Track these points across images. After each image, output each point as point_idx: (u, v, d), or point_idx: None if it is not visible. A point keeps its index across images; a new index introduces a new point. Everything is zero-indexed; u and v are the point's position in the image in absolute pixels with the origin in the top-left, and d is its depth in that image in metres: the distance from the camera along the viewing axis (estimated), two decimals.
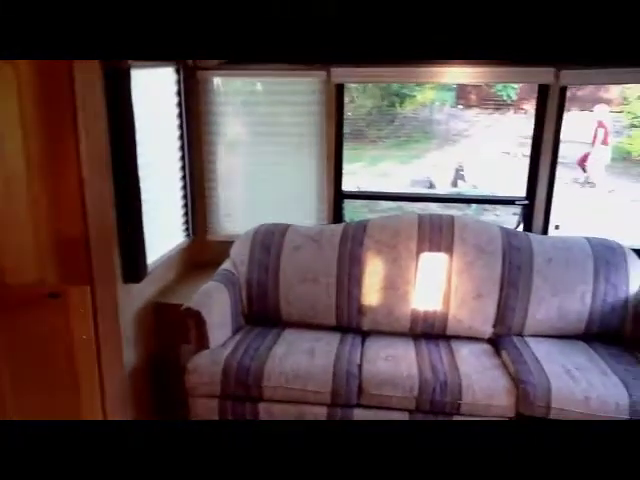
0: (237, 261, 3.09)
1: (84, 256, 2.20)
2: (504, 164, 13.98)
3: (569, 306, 2.82)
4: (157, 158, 2.96)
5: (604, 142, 11.02)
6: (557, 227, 3.24)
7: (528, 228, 3.24)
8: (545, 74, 2.99)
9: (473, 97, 21.39)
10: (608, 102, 19.17)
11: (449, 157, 14.14)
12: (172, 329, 2.89)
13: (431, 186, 11.96)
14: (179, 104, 3.15)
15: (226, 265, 3.10)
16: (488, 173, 13.06)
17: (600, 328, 2.82)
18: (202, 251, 3.45)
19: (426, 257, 2.93)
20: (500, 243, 2.92)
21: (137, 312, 2.82)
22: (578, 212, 10.33)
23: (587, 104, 19.14)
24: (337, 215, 3.41)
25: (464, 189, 11.21)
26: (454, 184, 11.88)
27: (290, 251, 3.04)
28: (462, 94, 19.87)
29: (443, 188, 11.94)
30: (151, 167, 2.84)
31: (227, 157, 3.43)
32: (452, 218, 3.03)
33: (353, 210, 3.79)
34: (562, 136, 3.09)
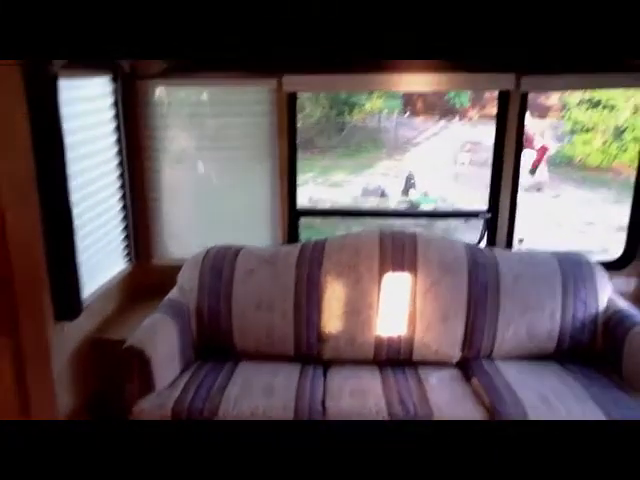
0: (185, 288, 2.83)
1: (7, 300, 1.90)
2: (452, 170, 14.19)
3: (539, 325, 2.69)
4: (92, 178, 2.68)
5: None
6: (521, 241, 3.14)
7: (492, 242, 3.11)
8: (505, 80, 2.88)
9: (420, 105, 21.70)
10: (548, 109, 19.81)
11: (399, 165, 14.26)
12: (114, 368, 2.60)
13: (383, 195, 11.96)
14: (116, 117, 2.88)
15: (173, 294, 2.83)
16: (437, 180, 13.21)
17: (571, 346, 2.70)
18: (146, 278, 3.16)
19: (389, 278, 2.75)
20: (465, 261, 2.77)
21: (73, 352, 2.53)
22: (530, 219, 10.52)
23: (529, 110, 19.53)
24: (293, 234, 3.19)
25: (416, 197, 11.25)
26: (405, 192, 11.92)
27: (243, 276, 2.80)
28: (409, 102, 20.12)
29: (395, 197, 11.99)
30: (85, 189, 2.57)
31: (172, 174, 3.16)
32: (415, 235, 2.86)
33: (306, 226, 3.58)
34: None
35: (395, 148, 15.86)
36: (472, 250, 2.83)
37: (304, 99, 13.70)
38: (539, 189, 12.52)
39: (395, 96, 16.62)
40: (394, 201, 11.75)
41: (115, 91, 2.85)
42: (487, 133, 16.82)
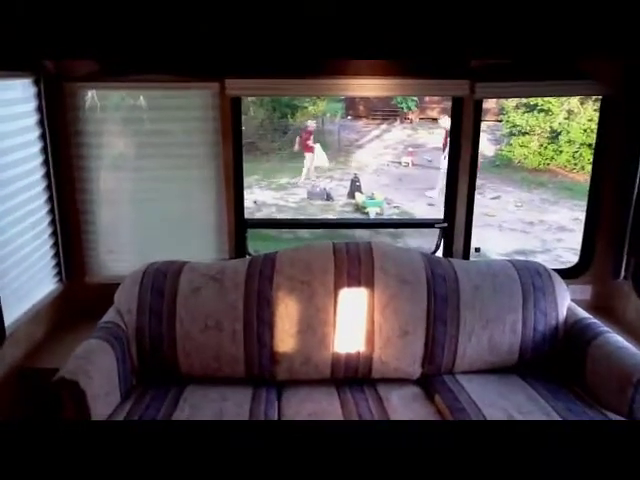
0: (123, 310, 2.58)
1: None
2: (395, 172, 14.28)
3: (500, 338, 2.60)
4: (13, 192, 2.41)
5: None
6: (478, 250, 3.05)
7: (449, 253, 3.02)
8: (459, 87, 2.78)
9: (361, 108, 21.80)
10: (486, 112, 20.37)
11: (343, 168, 14.22)
12: (45, 400, 2.32)
13: (328, 198, 11.88)
14: (40, 123, 2.60)
15: (109, 316, 2.58)
16: (382, 182, 13.24)
17: (532, 359, 2.63)
18: (79, 298, 2.87)
19: (345, 293, 2.60)
20: (424, 272, 2.65)
21: None
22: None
23: None
24: (240, 246, 2.99)
25: (362, 200, 11.21)
26: (351, 195, 11.87)
27: (187, 294, 2.58)
28: (351, 105, 20.17)
29: (341, 199, 11.92)
30: (5, 204, 2.29)
31: (107, 184, 2.90)
32: (370, 246, 2.72)
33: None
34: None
35: (338, 150, 15.85)
36: (430, 261, 2.71)
37: (247, 102, 13.46)
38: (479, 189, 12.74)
39: (337, 99, 16.62)
40: (340, 204, 11.69)
41: (38, 95, 2.57)
42: (427, 136, 17.16)
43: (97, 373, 2.23)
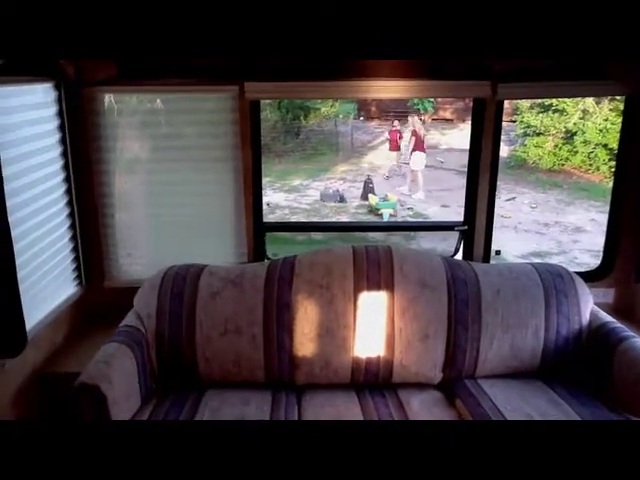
0: (142, 314, 2.58)
1: None
2: (407, 174, 14.19)
3: (522, 342, 2.57)
4: (35, 195, 2.41)
5: (420, 148, 12.00)
6: (498, 253, 3.02)
7: (469, 256, 2.98)
8: (481, 88, 2.75)
9: (373, 109, 21.72)
10: None
11: (356, 169, 14.20)
12: (66, 405, 2.33)
13: (342, 200, 11.86)
14: (61, 127, 2.60)
15: (129, 319, 2.58)
16: (394, 184, 13.19)
17: (556, 363, 2.59)
18: (99, 302, 2.88)
19: (365, 297, 2.58)
20: (444, 276, 2.63)
21: (17, 390, 2.26)
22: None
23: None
24: (259, 250, 2.98)
25: (376, 202, 11.18)
26: (364, 197, 11.84)
27: (207, 298, 2.58)
28: (363, 106, 20.12)
29: (354, 201, 11.90)
30: (27, 207, 2.30)
31: (125, 188, 2.91)
32: (389, 249, 2.70)
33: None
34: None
35: (351, 152, 15.82)
36: (450, 264, 2.68)
37: (262, 104, 13.47)
38: None
39: (349, 100, 16.58)
40: (353, 205, 11.66)
41: (59, 99, 2.58)
42: (440, 136, 17.07)
43: (117, 377, 2.23)
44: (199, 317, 2.55)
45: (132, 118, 2.87)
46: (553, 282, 2.65)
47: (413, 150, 12.09)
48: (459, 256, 3.06)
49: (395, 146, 14.07)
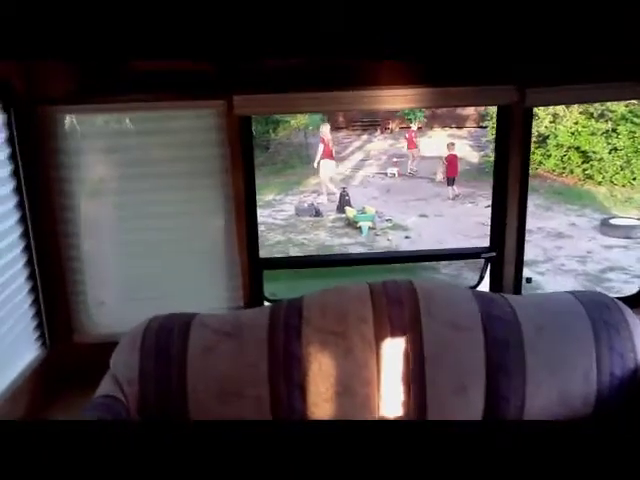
0: (122, 379, 2.13)
1: None
2: (381, 183, 13.98)
3: (572, 386, 2.20)
4: None
5: (328, 156, 12.31)
6: (529, 280, 2.66)
7: (497, 287, 2.61)
8: (506, 93, 2.40)
9: (341, 119, 21.54)
10: (466, 119, 20.15)
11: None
12: None
13: (317, 214, 11.47)
14: (12, 157, 2.14)
15: (106, 387, 2.11)
16: (369, 194, 12.92)
17: (611, 410, 2.23)
18: (68, 363, 2.39)
19: (388, 345, 2.18)
20: (478, 314, 2.24)
21: None
22: (470, 230, 10.34)
23: (447, 120, 19.86)
24: (255, 291, 2.56)
25: (353, 214, 10.83)
26: (341, 210, 11.48)
27: (198, 356, 2.14)
28: (330, 117, 19.87)
29: (330, 215, 11.54)
30: None
31: (94, 225, 2.45)
32: (411, 285, 2.31)
33: None
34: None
35: None
36: (483, 299, 2.30)
37: None
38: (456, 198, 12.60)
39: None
40: (330, 219, 11.30)
41: (9, 123, 2.12)
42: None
43: None
44: (191, 380, 2.11)
45: (98, 142, 2.43)
46: (600, 313, 2.30)
47: (322, 158, 12.40)
48: (483, 286, 2.70)
49: (413, 145, 15.05)
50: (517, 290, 2.62)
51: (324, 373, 2.14)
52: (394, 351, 2.17)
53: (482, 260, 2.67)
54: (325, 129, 12.80)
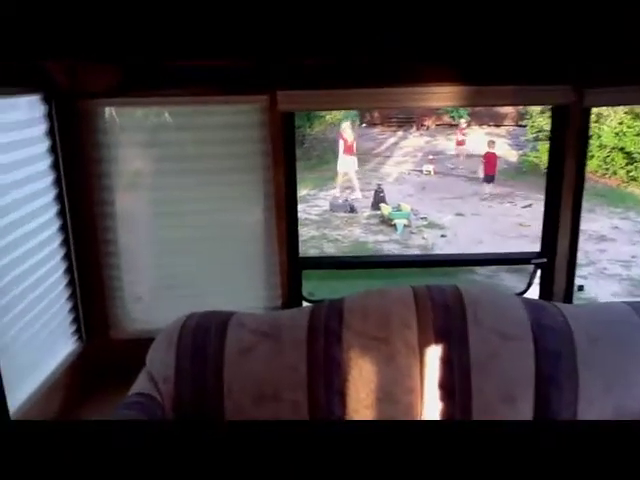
0: (157, 376, 2.08)
1: None
2: (417, 180, 13.80)
3: (629, 404, 2.07)
4: (22, 236, 1.92)
5: (348, 152, 12.46)
6: (581, 288, 2.52)
7: (547, 294, 2.48)
8: (562, 93, 2.27)
9: (376, 115, 21.35)
10: (504, 117, 19.72)
11: (363, 178, 13.75)
12: None
13: (352, 210, 11.37)
14: (52, 149, 2.11)
15: (141, 384, 2.07)
16: (404, 191, 12.75)
17: None
18: (104, 358, 2.36)
19: (432, 352, 2.08)
20: (528, 323, 2.13)
21: None
22: (507, 231, 10.11)
23: (485, 118, 19.44)
24: (294, 290, 2.49)
25: (388, 211, 10.69)
26: (375, 207, 11.35)
27: (236, 356, 2.08)
28: (365, 112, 19.70)
29: (365, 211, 11.42)
30: (7, 255, 1.81)
31: (133, 221, 2.41)
32: (458, 290, 2.21)
33: None
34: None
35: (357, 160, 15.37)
36: (533, 308, 2.18)
37: None
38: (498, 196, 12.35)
39: None
40: (364, 216, 11.19)
41: (49, 115, 2.09)
42: (446, 142, 16.68)
43: None
44: (227, 380, 2.06)
45: (140, 137, 2.39)
46: None
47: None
48: (531, 293, 2.57)
49: (462, 142, 15.28)
50: (568, 298, 2.49)
51: (365, 379, 2.06)
52: (438, 358, 2.08)
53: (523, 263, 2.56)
54: (345, 126, 13.05)
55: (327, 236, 10.13)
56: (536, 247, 2.58)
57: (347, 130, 12.86)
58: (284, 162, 2.34)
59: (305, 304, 2.53)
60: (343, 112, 15.27)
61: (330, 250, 9.37)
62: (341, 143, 12.78)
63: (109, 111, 2.32)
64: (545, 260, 2.48)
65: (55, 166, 2.13)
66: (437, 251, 9.24)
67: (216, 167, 2.40)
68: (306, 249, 9.25)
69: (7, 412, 1.69)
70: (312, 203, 12.02)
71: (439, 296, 2.18)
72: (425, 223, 10.60)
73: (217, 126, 2.39)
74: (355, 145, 12.94)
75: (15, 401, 1.87)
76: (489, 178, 12.57)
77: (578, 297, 2.56)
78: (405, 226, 10.21)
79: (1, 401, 1.65)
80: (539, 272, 2.53)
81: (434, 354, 2.08)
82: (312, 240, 9.87)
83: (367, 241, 9.87)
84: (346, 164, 12.64)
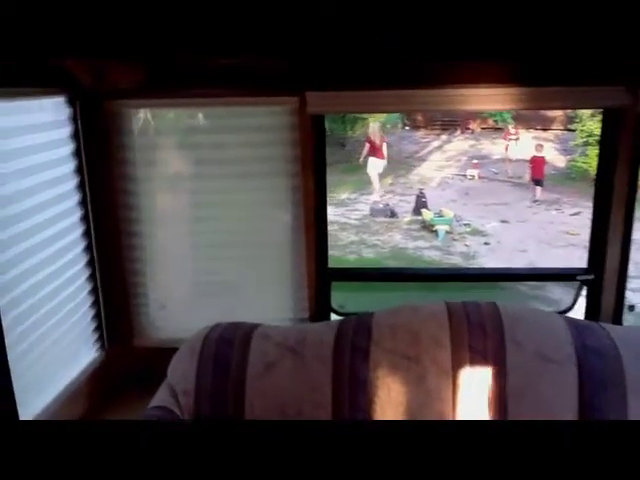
0: (178, 389, 2.02)
1: None
2: (461, 185, 13.51)
3: None
4: (45, 241, 1.89)
5: (378, 155, 12.34)
6: (632, 308, 2.34)
7: (594, 314, 2.31)
8: (615, 95, 2.10)
9: (420, 118, 21.07)
10: (552, 120, 19.15)
11: (405, 182, 13.57)
12: None
13: (393, 215, 11.21)
14: (77, 153, 2.07)
15: (161, 397, 2.01)
16: (447, 196, 12.51)
17: None
18: (126, 366, 2.32)
19: (466, 373, 1.95)
20: (572, 345, 1.97)
21: None
22: (554, 240, 9.77)
23: (532, 122, 18.93)
24: (322, 303, 2.39)
25: (430, 217, 10.50)
26: (416, 212, 11.16)
27: (259, 370, 2.00)
28: (408, 115, 19.47)
29: (406, 216, 11.24)
30: (31, 259, 1.77)
31: (159, 227, 2.37)
32: (496, 307, 2.07)
33: None
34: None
35: (399, 163, 15.18)
36: (578, 328, 2.02)
37: None
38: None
39: None
40: (405, 221, 11.01)
41: (74, 118, 2.05)
42: (491, 146, 16.29)
43: None
44: (249, 396, 1.98)
45: (166, 139, 2.34)
46: None
47: (367, 156, 12.65)
48: (577, 311, 2.40)
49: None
50: (617, 319, 2.31)
51: (393, 400, 1.95)
52: (473, 381, 1.94)
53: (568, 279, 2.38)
54: (373, 129, 13.04)
55: (366, 241, 10.00)
56: (585, 255, 2.41)
57: (375, 133, 12.83)
58: (313, 167, 2.24)
59: (334, 317, 2.43)
60: (385, 114, 15.12)
61: (369, 256, 9.23)
62: (367, 146, 12.80)
63: (135, 113, 2.28)
64: (592, 277, 2.30)
65: (79, 170, 2.10)
66: (479, 259, 8.99)
67: (243, 171, 2.33)
68: (345, 254, 9.14)
69: (16, 411, 1.66)
70: (351, 207, 11.91)
71: (475, 314, 2.04)
72: (468, 229, 10.35)
73: (245, 128, 2.32)
74: (385, 148, 12.90)
75: (35, 409, 1.84)
76: (538, 182, 12.21)
77: (628, 318, 2.38)
78: (447, 232, 10.01)
79: (10, 401, 1.62)
80: (585, 289, 2.36)
81: (468, 376, 1.95)
82: (351, 245, 9.77)
83: (407, 247, 9.70)
84: (375, 167, 12.60)
